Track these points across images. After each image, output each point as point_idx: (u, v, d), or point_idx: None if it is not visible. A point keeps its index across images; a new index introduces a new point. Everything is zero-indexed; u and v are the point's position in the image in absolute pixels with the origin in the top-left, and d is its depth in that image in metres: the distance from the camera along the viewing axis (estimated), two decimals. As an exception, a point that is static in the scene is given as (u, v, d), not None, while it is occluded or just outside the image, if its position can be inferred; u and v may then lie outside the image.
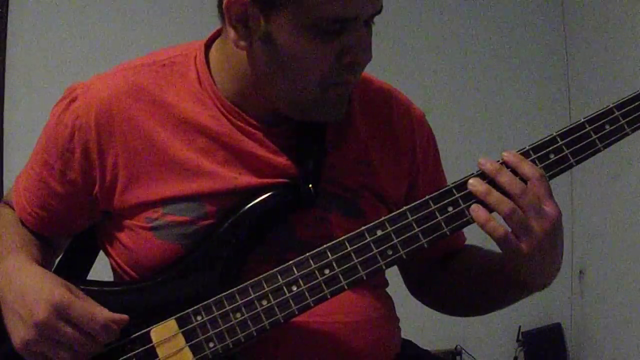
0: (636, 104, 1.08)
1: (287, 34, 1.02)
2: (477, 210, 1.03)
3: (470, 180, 1.05)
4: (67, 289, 1.04)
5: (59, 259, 1.26)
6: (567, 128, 1.08)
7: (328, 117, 1.11)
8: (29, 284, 1.05)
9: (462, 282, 1.26)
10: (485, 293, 1.23)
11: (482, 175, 1.06)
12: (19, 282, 1.06)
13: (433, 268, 1.29)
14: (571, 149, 1.07)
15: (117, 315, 1.05)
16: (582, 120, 1.08)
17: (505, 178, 1.03)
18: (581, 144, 1.07)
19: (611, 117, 1.07)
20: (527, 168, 1.04)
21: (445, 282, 1.29)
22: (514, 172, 1.05)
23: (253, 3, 1.02)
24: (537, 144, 1.07)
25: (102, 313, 1.04)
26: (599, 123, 1.07)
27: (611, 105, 1.08)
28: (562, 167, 1.07)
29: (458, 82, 3.22)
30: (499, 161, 1.06)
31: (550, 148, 1.07)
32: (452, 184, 1.07)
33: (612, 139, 1.07)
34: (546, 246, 1.04)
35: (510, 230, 1.02)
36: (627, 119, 1.07)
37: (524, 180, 1.04)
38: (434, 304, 1.34)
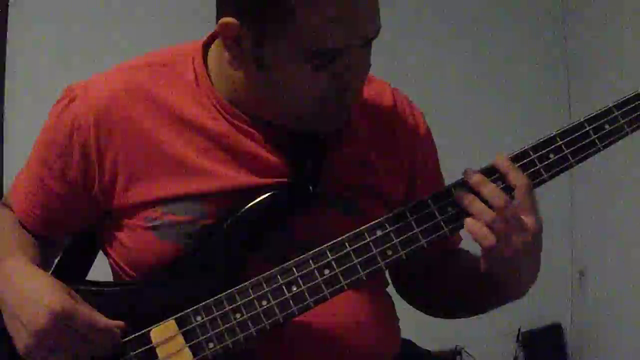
0: (636, 103, 1.08)
1: (279, 61, 1.03)
2: (468, 219, 1.04)
3: (456, 192, 1.05)
4: (67, 295, 1.04)
5: (58, 258, 1.26)
6: (567, 127, 1.08)
7: (326, 128, 1.12)
8: (30, 288, 1.05)
9: (450, 282, 1.26)
10: (467, 295, 1.24)
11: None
12: (19, 285, 1.06)
13: (426, 267, 1.29)
14: (571, 149, 1.07)
15: (112, 323, 1.05)
16: (582, 119, 1.08)
17: (488, 190, 1.04)
18: (581, 144, 1.07)
19: (611, 116, 1.08)
20: (515, 176, 1.05)
21: (437, 283, 1.29)
22: (503, 177, 1.05)
23: (245, 29, 1.02)
24: (536, 143, 1.08)
25: (102, 320, 1.05)
26: (599, 123, 1.07)
27: (611, 105, 1.08)
28: (562, 167, 1.07)
29: (457, 81, 3.21)
30: (490, 165, 1.06)
31: (550, 148, 1.07)
32: (452, 184, 1.07)
33: (612, 138, 1.08)
34: (523, 257, 1.05)
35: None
36: (627, 119, 1.07)
37: (511, 188, 1.05)
38: (421, 304, 1.34)
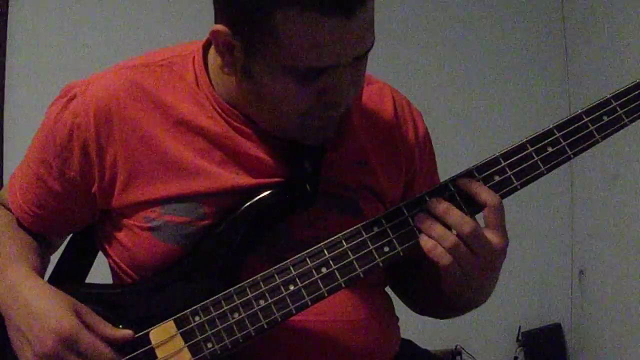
0: (634, 93, 1.07)
1: (265, 74, 1.02)
2: (424, 236, 1.03)
3: (418, 215, 1.04)
4: (73, 314, 1.04)
5: (58, 259, 1.26)
6: (564, 120, 1.07)
7: (310, 142, 1.11)
8: (36, 305, 1.05)
9: (422, 281, 1.27)
10: (426, 300, 1.26)
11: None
12: (23, 300, 1.06)
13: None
14: (568, 141, 1.06)
15: (120, 333, 1.05)
16: (580, 111, 1.07)
17: (453, 219, 1.02)
18: (578, 136, 1.06)
19: (609, 107, 1.07)
20: (485, 195, 1.04)
21: (413, 279, 1.29)
22: (471, 199, 1.04)
23: (235, 38, 1.01)
24: (534, 136, 1.07)
25: (108, 334, 1.04)
26: (597, 114, 1.07)
27: (609, 96, 1.07)
28: (559, 159, 1.06)
29: (457, 79, 3.22)
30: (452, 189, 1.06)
31: (548, 140, 1.06)
32: (449, 179, 1.07)
33: (610, 129, 1.07)
34: (487, 274, 1.05)
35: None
36: (625, 109, 1.06)
37: (482, 205, 1.04)
38: (402, 296, 1.34)
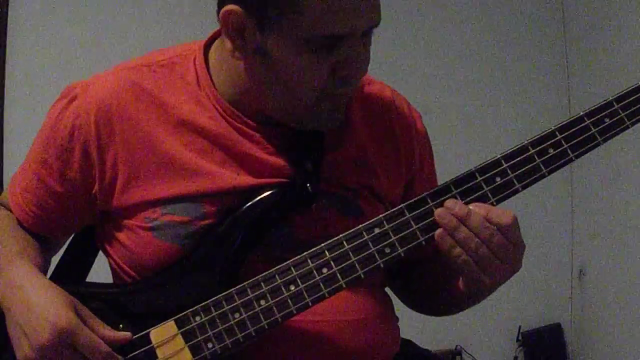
0: (636, 96, 1.07)
1: (282, 48, 1.02)
2: (442, 235, 1.04)
3: (439, 212, 1.04)
4: (73, 311, 1.04)
5: (59, 259, 1.26)
6: (566, 122, 1.07)
7: (322, 126, 1.12)
8: (35, 300, 1.05)
9: (424, 281, 1.27)
10: (433, 297, 1.26)
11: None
12: (24, 295, 1.06)
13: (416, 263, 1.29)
14: (570, 143, 1.06)
15: (119, 335, 1.06)
16: (581, 113, 1.07)
17: (475, 223, 1.03)
18: (580, 138, 1.07)
19: (610, 110, 1.07)
20: (497, 216, 1.04)
21: (415, 279, 1.29)
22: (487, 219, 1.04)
23: (248, 16, 1.02)
24: (535, 138, 1.07)
25: (107, 336, 1.04)
26: (599, 116, 1.07)
27: (611, 98, 1.07)
28: (561, 161, 1.07)
29: (457, 80, 3.22)
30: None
31: (549, 142, 1.07)
32: (451, 180, 1.07)
33: (612, 132, 1.07)
34: (505, 275, 1.06)
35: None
36: (627, 112, 1.07)
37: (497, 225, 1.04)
38: (403, 295, 1.34)
